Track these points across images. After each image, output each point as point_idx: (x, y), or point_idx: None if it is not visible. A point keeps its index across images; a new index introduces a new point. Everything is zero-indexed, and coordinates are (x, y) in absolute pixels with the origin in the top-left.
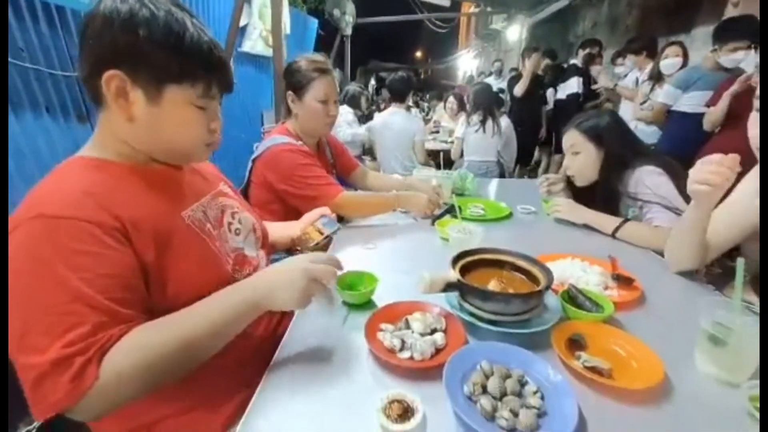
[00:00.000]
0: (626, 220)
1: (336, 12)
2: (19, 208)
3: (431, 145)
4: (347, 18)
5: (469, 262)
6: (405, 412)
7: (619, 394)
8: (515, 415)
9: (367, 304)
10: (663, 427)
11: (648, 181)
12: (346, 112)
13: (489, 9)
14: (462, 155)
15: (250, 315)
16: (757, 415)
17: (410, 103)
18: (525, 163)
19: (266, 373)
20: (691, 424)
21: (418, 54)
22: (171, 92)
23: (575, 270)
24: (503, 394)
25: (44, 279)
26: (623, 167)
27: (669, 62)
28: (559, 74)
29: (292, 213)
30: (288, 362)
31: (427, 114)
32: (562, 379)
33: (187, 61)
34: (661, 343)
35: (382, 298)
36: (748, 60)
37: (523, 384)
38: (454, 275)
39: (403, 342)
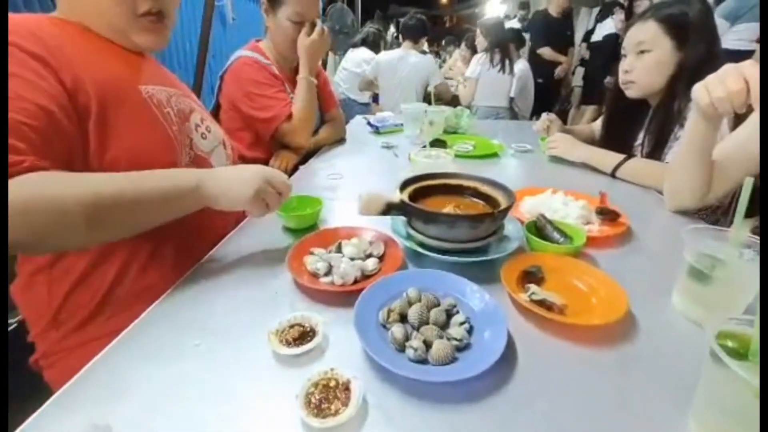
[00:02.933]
0: (629, 156)
1: None
2: None
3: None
4: None
5: (425, 187)
6: (303, 336)
7: (572, 334)
8: (428, 346)
9: (311, 229)
10: (611, 370)
11: None
12: (362, 53)
13: None
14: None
15: (186, 198)
16: (721, 353)
17: (425, 48)
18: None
19: (191, 271)
20: (649, 368)
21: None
22: None
23: (554, 203)
24: (423, 323)
25: None
26: (698, 79)
27: None
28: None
29: (261, 144)
30: (214, 264)
31: (444, 61)
32: (496, 310)
33: None
34: (637, 284)
35: (331, 222)
36: None
37: (451, 315)
38: (397, 196)
39: (330, 267)
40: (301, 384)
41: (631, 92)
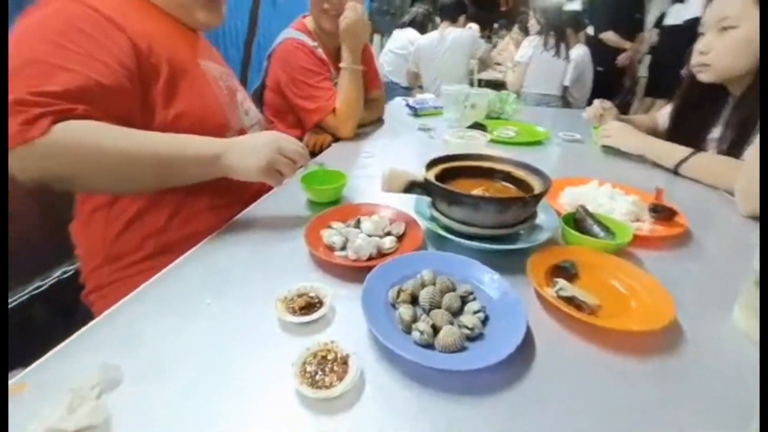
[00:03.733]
0: (697, 150)
1: None
2: None
3: (488, 75)
4: None
5: (454, 168)
6: (309, 306)
7: (603, 338)
8: (437, 331)
9: (334, 203)
10: (644, 382)
11: None
12: (409, 34)
13: None
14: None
15: (206, 166)
16: None
17: (469, 29)
18: None
19: (218, 231)
20: (693, 386)
21: None
22: None
23: (599, 196)
24: (434, 307)
25: (45, 40)
26: None
27: None
28: None
29: (301, 125)
30: (240, 226)
31: (495, 46)
32: (516, 302)
33: None
34: (689, 292)
35: (356, 199)
36: None
37: (466, 302)
38: (421, 174)
39: (346, 241)
40: (300, 354)
41: (705, 76)
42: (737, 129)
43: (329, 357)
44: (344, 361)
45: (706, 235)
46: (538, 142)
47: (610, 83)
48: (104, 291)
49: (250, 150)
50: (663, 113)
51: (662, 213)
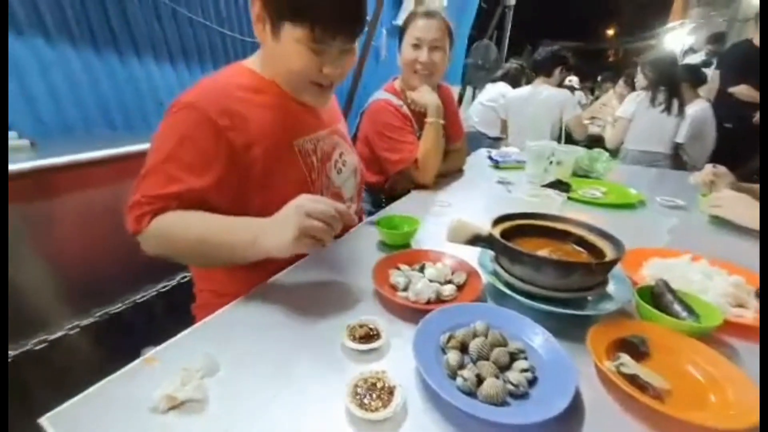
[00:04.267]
0: None
1: None
2: (189, 91)
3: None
4: None
5: (524, 226)
6: (368, 337)
7: (668, 428)
8: (480, 380)
9: (405, 247)
10: None
11: None
12: (500, 88)
13: None
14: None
15: (247, 251)
16: None
17: (574, 84)
18: (733, 167)
19: (301, 260)
20: None
21: (610, 31)
22: (287, 29)
23: (691, 271)
24: (482, 358)
25: (164, 150)
26: None
27: None
28: None
29: (385, 172)
30: (319, 260)
31: (597, 98)
32: (568, 368)
33: (305, 4)
34: None
35: (426, 245)
36: None
37: (516, 359)
38: (486, 228)
39: (409, 283)
40: (354, 376)
41: None
42: None
43: (378, 385)
44: (390, 391)
45: None
46: (629, 206)
47: (741, 142)
48: (208, 309)
49: (278, 226)
50: None
51: None
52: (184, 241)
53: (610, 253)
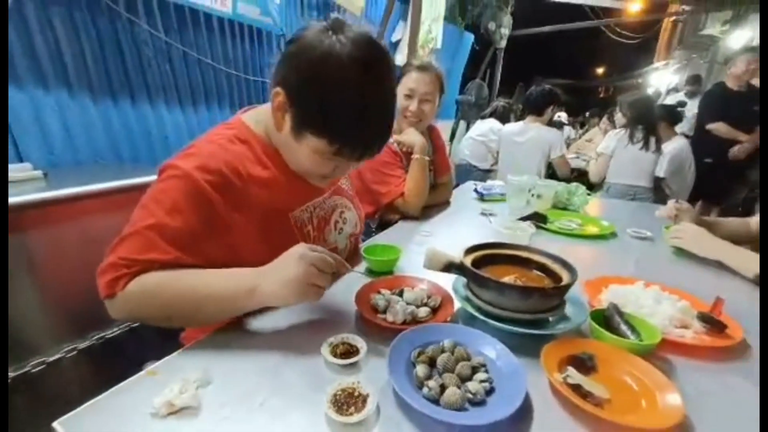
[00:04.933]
0: None
1: (491, 25)
2: (180, 155)
3: (574, 164)
4: (502, 30)
5: (493, 255)
6: (348, 353)
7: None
8: (443, 389)
9: (388, 273)
10: None
11: None
12: (490, 123)
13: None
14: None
15: (244, 301)
16: None
17: (563, 119)
18: (716, 200)
19: None
20: None
21: (599, 70)
22: (309, 137)
23: (643, 297)
24: (447, 371)
25: (152, 215)
26: None
27: None
28: None
29: (375, 204)
30: None
31: (586, 131)
32: (519, 379)
33: (337, 126)
34: (720, 405)
35: (407, 272)
36: None
37: (476, 371)
38: (459, 256)
39: (388, 304)
40: (333, 386)
41: None
42: None
43: (354, 393)
44: (364, 399)
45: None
46: (601, 237)
47: (720, 175)
48: (196, 336)
49: (280, 275)
50: (758, 220)
51: (711, 323)
52: (173, 297)
53: (566, 279)
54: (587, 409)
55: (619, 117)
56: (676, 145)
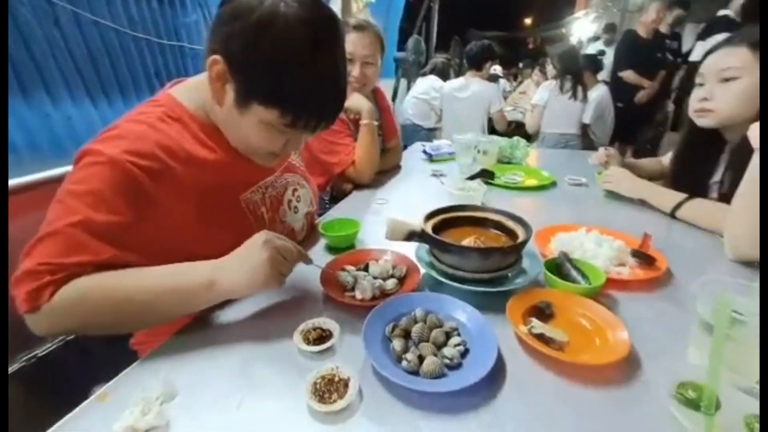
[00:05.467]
0: (692, 196)
1: None
2: (100, 138)
3: (510, 116)
4: None
5: (452, 218)
6: (321, 338)
7: (568, 371)
8: (421, 360)
9: (349, 248)
10: (600, 410)
11: None
12: (431, 81)
13: None
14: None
15: (201, 295)
16: (678, 414)
17: (499, 72)
18: (629, 141)
19: None
20: (642, 415)
21: (528, 20)
22: (256, 108)
23: (586, 242)
24: (423, 340)
25: (74, 211)
26: None
27: None
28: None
29: (325, 174)
30: None
31: (520, 84)
32: (489, 337)
33: (289, 94)
34: (655, 331)
35: (368, 245)
36: None
37: (450, 336)
38: (419, 224)
39: (356, 281)
40: (311, 375)
41: (705, 121)
42: (735, 174)
43: (335, 379)
44: (345, 384)
45: (688, 279)
46: (543, 187)
47: (632, 119)
48: (146, 345)
49: (244, 264)
50: (669, 157)
51: (642, 258)
52: (120, 301)
53: (521, 235)
54: (551, 354)
55: (550, 69)
56: (599, 92)
